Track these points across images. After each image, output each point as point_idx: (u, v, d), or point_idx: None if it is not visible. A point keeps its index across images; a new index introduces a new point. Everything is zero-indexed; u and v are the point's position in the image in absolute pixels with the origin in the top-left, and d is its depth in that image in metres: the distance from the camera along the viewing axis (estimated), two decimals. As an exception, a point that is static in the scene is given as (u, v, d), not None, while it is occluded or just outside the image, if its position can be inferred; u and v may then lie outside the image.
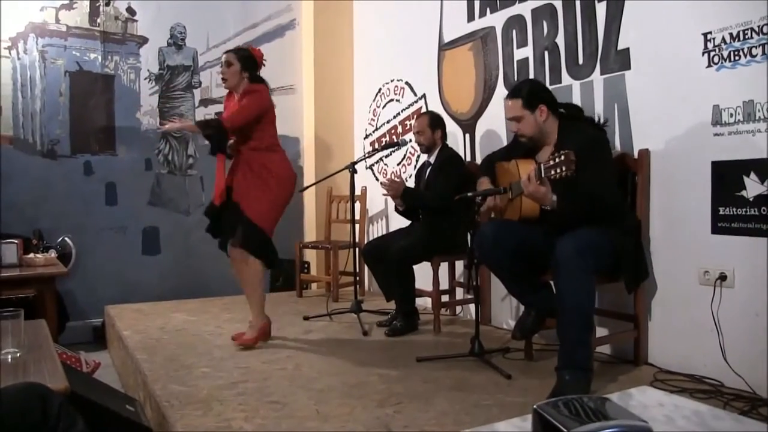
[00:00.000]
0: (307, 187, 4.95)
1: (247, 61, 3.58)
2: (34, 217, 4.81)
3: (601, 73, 3.35)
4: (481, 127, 4.28)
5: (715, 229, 2.80)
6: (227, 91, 3.68)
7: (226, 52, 3.66)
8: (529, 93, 2.93)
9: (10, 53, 4.85)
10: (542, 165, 2.60)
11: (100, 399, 2.32)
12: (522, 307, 3.19)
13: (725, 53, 2.73)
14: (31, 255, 4.08)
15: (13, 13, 4.82)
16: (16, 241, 4.00)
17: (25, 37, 4.89)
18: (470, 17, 4.32)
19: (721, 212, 2.78)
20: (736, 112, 2.70)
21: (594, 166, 2.68)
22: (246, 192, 3.50)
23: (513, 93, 2.99)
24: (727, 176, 2.75)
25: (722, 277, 2.75)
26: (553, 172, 2.54)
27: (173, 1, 5.38)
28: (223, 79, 3.61)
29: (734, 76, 2.71)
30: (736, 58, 2.69)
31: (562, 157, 2.50)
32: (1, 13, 4.74)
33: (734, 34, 2.69)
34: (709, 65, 2.80)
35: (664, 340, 3.05)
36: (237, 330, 3.79)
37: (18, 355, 2.06)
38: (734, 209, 2.72)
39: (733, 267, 2.73)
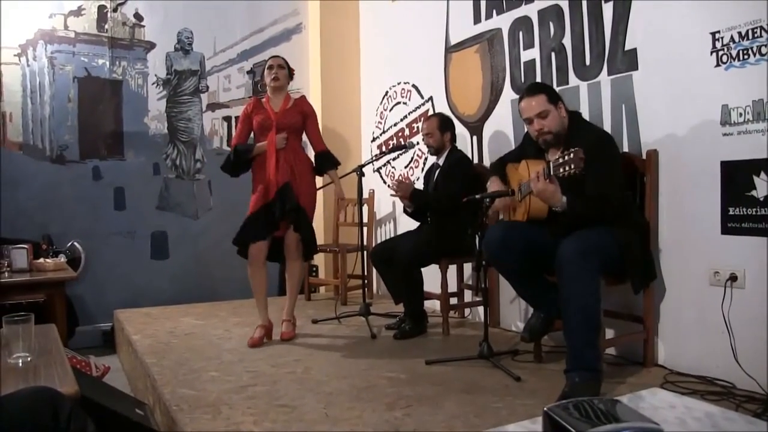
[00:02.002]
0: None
1: (290, 70, 3.92)
2: (43, 222, 4.84)
3: (609, 74, 3.34)
4: (488, 129, 4.27)
5: (725, 230, 2.78)
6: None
7: (277, 57, 3.93)
8: (551, 91, 2.95)
9: (19, 60, 4.88)
10: (551, 163, 2.59)
11: (110, 403, 2.34)
12: (531, 309, 3.18)
13: (734, 52, 2.72)
14: (41, 260, 4.10)
15: (22, 20, 4.85)
16: (26, 246, 4.02)
17: (35, 44, 4.92)
18: (476, 19, 4.32)
19: (731, 212, 2.76)
20: (745, 111, 2.68)
21: (603, 165, 2.67)
22: (302, 189, 3.77)
23: (533, 90, 2.96)
24: (736, 176, 2.73)
25: (733, 278, 2.73)
26: (561, 170, 2.53)
27: (180, 6, 5.40)
28: (275, 78, 3.82)
29: (743, 75, 2.69)
30: (745, 56, 2.67)
31: (571, 155, 2.49)
32: (12, 20, 4.77)
33: (743, 33, 2.68)
34: (718, 65, 2.79)
35: (674, 341, 3.03)
36: (246, 333, 3.81)
37: (29, 359, 2.07)
38: (744, 209, 2.71)
39: (743, 268, 2.71)
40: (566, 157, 2.51)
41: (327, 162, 3.93)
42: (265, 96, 3.90)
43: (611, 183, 2.75)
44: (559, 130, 2.91)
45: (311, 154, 3.98)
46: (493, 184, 3.16)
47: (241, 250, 3.77)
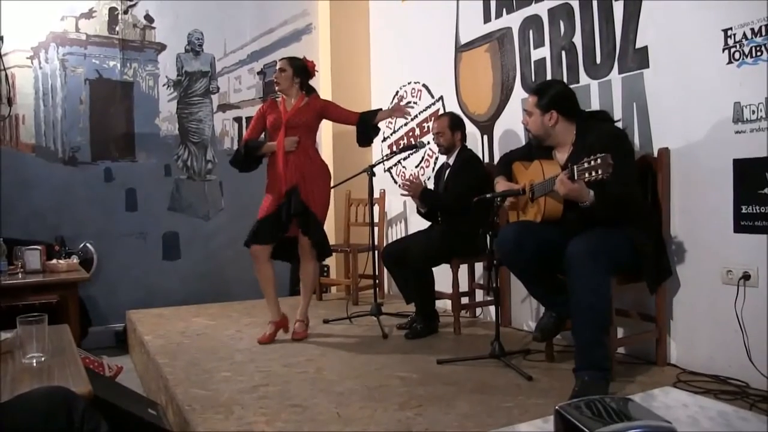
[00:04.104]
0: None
1: (299, 69, 3.87)
2: (56, 223, 4.87)
3: (619, 72, 3.32)
4: (499, 128, 4.26)
5: (738, 228, 2.76)
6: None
7: (281, 59, 3.93)
8: (548, 96, 2.92)
9: (32, 63, 4.92)
10: (575, 167, 2.56)
11: (123, 403, 2.34)
12: (542, 309, 3.17)
13: (746, 49, 2.70)
14: (54, 261, 4.12)
15: (34, 23, 4.89)
16: (39, 248, 4.05)
17: (46, 46, 4.95)
18: (487, 18, 4.31)
19: (743, 210, 2.74)
20: (758, 108, 2.66)
21: (620, 162, 2.64)
22: (313, 192, 3.76)
23: (536, 89, 3.02)
24: (749, 174, 2.71)
25: (746, 276, 2.71)
26: (587, 175, 2.49)
27: (190, 8, 5.42)
28: (276, 82, 3.86)
29: (756, 72, 2.67)
30: (758, 53, 2.65)
31: (599, 161, 2.44)
32: (24, 23, 4.81)
33: (756, 30, 2.66)
34: (730, 62, 2.77)
35: (686, 340, 3.01)
36: (258, 333, 3.83)
37: (42, 359, 2.09)
38: (757, 207, 2.68)
39: (756, 266, 2.69)
40: (593, 162, 2.47)
41: (367, 116, 3.92)
42: (281, 97, 3.91)
43: (630, 179, 2.74)
44: (537, 134, 2.97)
45: (324, 154, 3.98)
46: (501, 185, 3.15)
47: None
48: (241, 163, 3.88)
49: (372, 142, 4.04)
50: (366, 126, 3.90)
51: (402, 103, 3.98)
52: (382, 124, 5.55)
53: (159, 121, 5.34)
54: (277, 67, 3.87)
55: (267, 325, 3.84)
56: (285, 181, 3.72)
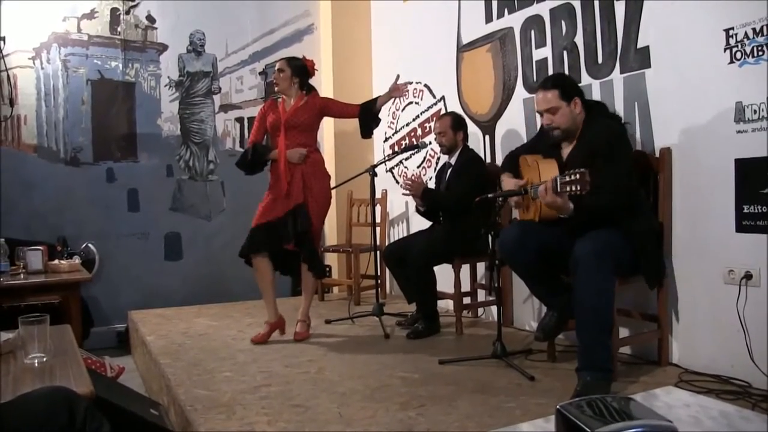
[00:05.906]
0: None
1: (297, 69, 3.87)
2: (58, 224, 4.88)
3: (621, 72, 3.32)
4: (500, 128, 4.26)
5: (740, 228, 2.76)
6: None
7: (280, 60, 3.95)
8: (566, 86, 2.91)
9: (33, 63, 4.93)
10: (558, 179, 2.58)
11: (124, 403, 2.35)
12: (544, 309, 3.17)
13: (748, 49, 2.69)
14: (56, 261, 4.13)
15: (36, 24, 4.90)
16: (41, 248, 4.06)
17: (48, 47, 4.96)
18: (488, 18, 4.31)
19: (745, 210, 2.74)
20: (759, 108, 2.66)
21: (616, 162, 2.66)
22: (313, 208, 3.75)
23: (549, 84, 2.93)
24: (751, 174, 2.71)
25: (748, 276, 2.71)
26: (568, 188, 2.52)
27: (192, 9, 5.43)
28: (275, 83, 3.90)
29: (757, 71, 2.66)
30: (760, 53, 2.65)
31: (577, 176, 2.48)
32: (26, 24, 4.82)
33: (757, 29, 2.65)
34: (732, 61, 2.76)
35: (688, 340, 3.01)
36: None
37: (44, 360, 2.09)
38: (759, 207, 2.68)
39: (758, 266, 2.68)
40: (573, 177, 2.50)
41: (368, 105, 3.94)
42: (282, 97, 3.91)
43: (624, 180, 2.73)
44: (569, 127, 2.89)
45: (325, 154, 3.97)
46: (506, 183, 3.13)
47: (248, 260, 3.82)
48: (247, 167, 3.88)
49: (373, 132, 4.04)
50: (368, 115, 3.90)
51: (399, 83, 3.94)
52: (383, 125, 5.58)
53: (161, 121, 5.35)
54: (276, 68, 3.88)
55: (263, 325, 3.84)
56: (288, 190, 3.70)
